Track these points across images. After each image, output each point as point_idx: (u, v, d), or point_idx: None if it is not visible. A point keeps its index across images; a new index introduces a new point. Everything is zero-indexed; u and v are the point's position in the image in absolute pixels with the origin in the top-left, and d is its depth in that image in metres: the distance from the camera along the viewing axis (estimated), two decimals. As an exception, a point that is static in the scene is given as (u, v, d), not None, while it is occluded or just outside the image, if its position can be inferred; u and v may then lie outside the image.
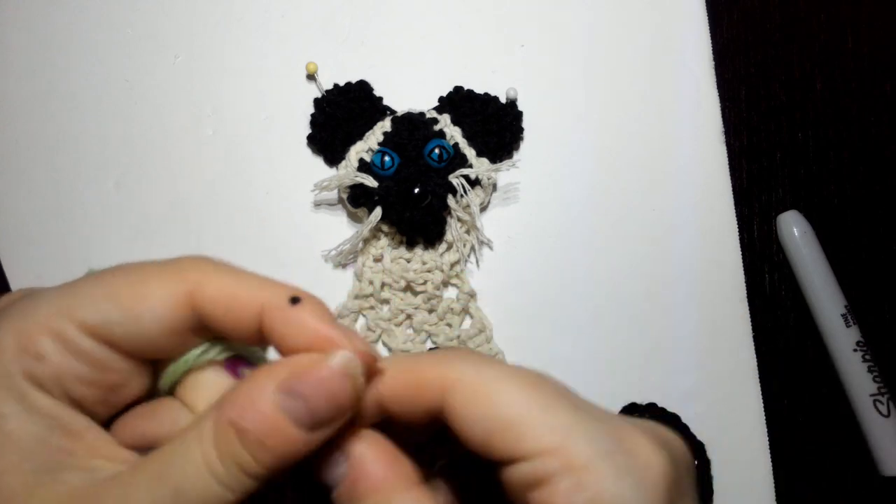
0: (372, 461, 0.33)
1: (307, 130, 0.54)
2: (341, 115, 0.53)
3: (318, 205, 0.54)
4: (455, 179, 0.51)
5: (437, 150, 0.51)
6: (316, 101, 0.54)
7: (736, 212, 0.56)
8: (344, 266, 0.53)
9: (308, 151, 0.55)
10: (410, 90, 0.54)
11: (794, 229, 0.57)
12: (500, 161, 0.54)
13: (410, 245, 0.53)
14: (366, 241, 0.53)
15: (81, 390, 0.33)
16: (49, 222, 0.55)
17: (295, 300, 0.32)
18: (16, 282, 0.55)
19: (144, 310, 0.32)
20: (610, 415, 0.33)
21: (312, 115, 0.54)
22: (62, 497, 0.31)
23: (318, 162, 0.55)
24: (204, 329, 0.33)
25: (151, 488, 0.31)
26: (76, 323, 0.32)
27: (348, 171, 0.52)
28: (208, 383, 0.34)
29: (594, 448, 0.30)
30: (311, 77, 0.55)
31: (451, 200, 0.51)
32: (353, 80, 0.55)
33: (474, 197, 0.52)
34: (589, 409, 0.32)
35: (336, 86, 0.54)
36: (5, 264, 0.55)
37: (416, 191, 0.50)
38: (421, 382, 0.33)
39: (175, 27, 0.57)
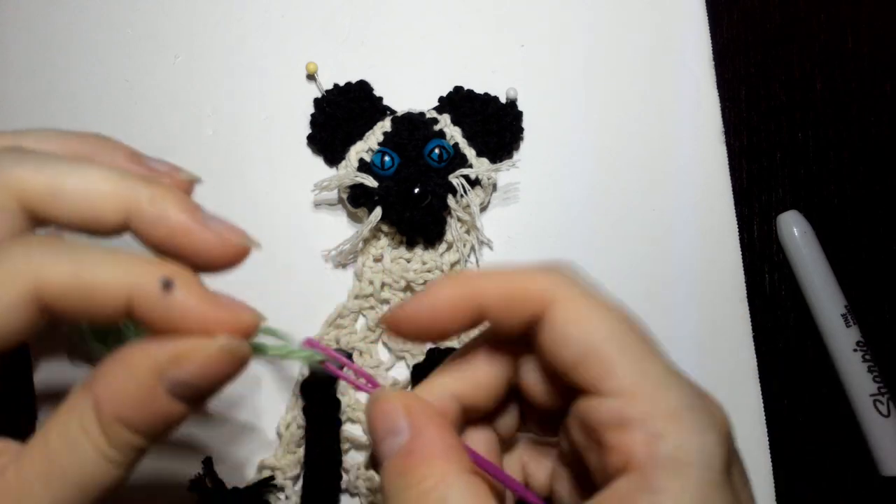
0: (431, 439, 0.32)
1: (307, 130, 0.54)
2: (341, 115, 0.53)
3: (318, 205, 0.54)
4: (455, 179, 0.51)
5: (437, 150, 0.51)
6: (316, 101, 0.54)
7: (736, 212, 0.56)
8: (344, 266, 0.53)
9: (308, 151, 0.55)
10: (410, 90, 0.54)
11: (794, 229, 0.57)
12: (500, 161, 0.54)
13: (410, 245, 0.53)
14: (366, 241, 0.52)
15: None
16: (49, 222, 0.55)
17: (167, 284, 0.30)
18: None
19: None
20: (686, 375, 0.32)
21: (312, 115, 0.54)
22: None
23: (318, 162, 0.55)
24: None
25: (50, 487, 0.30)
26: None
27: (348, 171, 0.51)
28: None
29: (681, 400, 0.30)
30: (311, 77, 0.55)
31: (451, 200, 0.51)
32: (353, 80, 0.55)
33: (474, 197, 0.52)
34: (675, 366, 0.32)
35: (336, 86, 0.54)
36: (5, 264, 0.55)
37: (416, 191, 0.50)
38: (525, 294, 0.33)
39: (175, 27, 0.57)
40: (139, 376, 0.30)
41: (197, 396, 0.31)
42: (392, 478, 0.32)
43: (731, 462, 0.31)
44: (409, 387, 0.51)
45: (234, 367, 0.31)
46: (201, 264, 0.33)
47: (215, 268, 0.34)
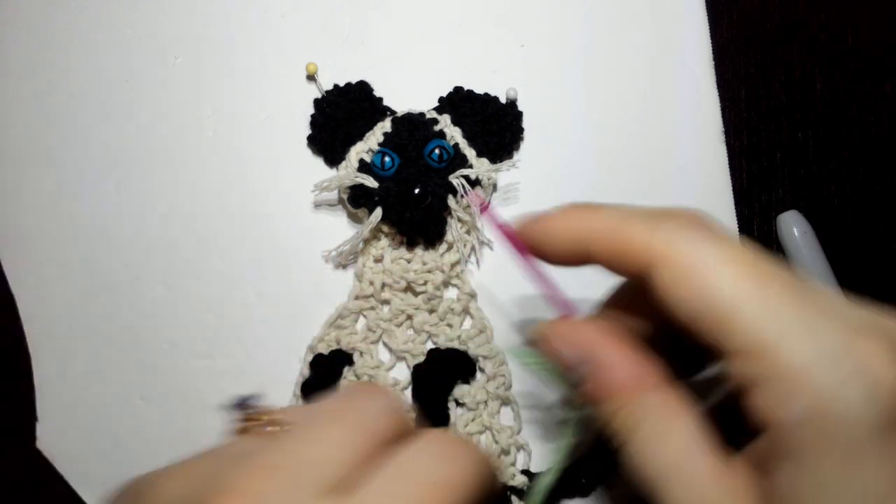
0: (616, 365, 0.33)
1: (307, 131, 0.54)
2: (341, 115, 0.53)
3: (318, 205, 0.54)
4: (455, 180, 0.51)
5: (437, 151, 0.51)
6: (316, 101, 0.54)
7: (736, 212, 0.56)
8: (344, 266, 0.53)
9: (308, 152, 0.55)
10: (410, 90, 0.54)
11: (794, 229, 0.57)
12: (500, 161, 0.54)
13: (411, 245, 0.53)
14: (366, 242, 0.52)
15: None
16: (49, 222, 0.55)
17: None
18: (16, 282, 0.55)
19: None
20: (847, 313, 0.29)
21: (312, 116, 0.54)
22: None
23: (319, 162, 0.55)
24: None
25: None
26: None
27: (348, 171, 0.51)
28: None
29: (815, 349, 0.28)
30: (311, 77, 0.55)
31: (451, 201, 0.51)
32: (353, 81, 0.55)
33: (475, 197, 0.52)
34: (823, 304, 0.29)
35: (336, 86, 0.54)
36: (5, 264, 0.55)
37: (417, 191, 0.50)
38: (627, 249, 0.32)
39: (175, 27, 0.57)
40: None
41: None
42: (596, 403, 0.34)
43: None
44: (410, 387, 0.51)
45: None
46: None
47: None
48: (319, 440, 0.29)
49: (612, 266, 0.34)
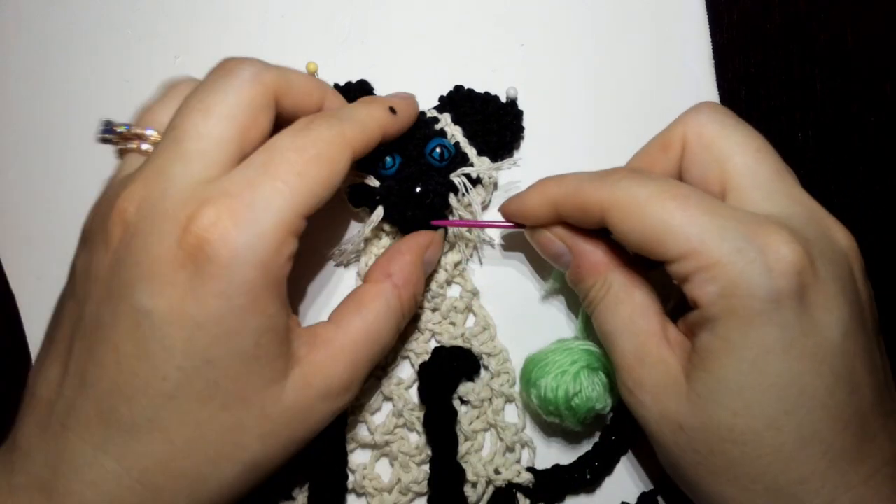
0: (588, 252, 0.45)
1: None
2: (342, 114, 0.53)
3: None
4: (456, 178, 0.51)
5: (438, 149, 0.51)
6: (316, 101, 0.54)
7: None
8: (346, 265, 0.53)
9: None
10: (411, 89, 0.54)
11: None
12: (501, 160, 0.54)
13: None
14: (368, 241, 0.52)
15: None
16: (49, 222, 0.55)
17: (392, 110, 0.48)
18: (16, 282, 0.54)
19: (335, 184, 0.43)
20: (752, 215, 0.40)
21: (313, 116, 0.54)
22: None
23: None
24: None
25: (348, 364, 0.43)
26: (302, 218, 0.41)
27: (350, 170, 0.51)
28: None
29: (725, 247, 0.38)
30: (311, 77, 0.55)
31: (452, 199, 0.51)
32: (354, 80, 0.54)
33: (476, 195, 0.52)
34: (730, 211, 0.39)
35: (336, 85, 0.54)
36: (5, 264, 0.55)
37: (418, 190, 0.50)
38: (585, 205, 0.43)
39: (175, 27, 0.57)
40: (414, 263, 0.48)
41: (426, 275, 0.50)
42: (574, 285, 0.47)
43: (796, 283, 0.37)
44: (416, 385, 0.51)
45: (439, 250, 0.51)
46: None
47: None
48: (185, 142, 0.41)
49: (578, 219, 0.45)
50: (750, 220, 0.39)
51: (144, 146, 0.45)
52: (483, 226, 0.52)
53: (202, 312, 0.37)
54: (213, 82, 0.43)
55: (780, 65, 0.60)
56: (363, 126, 0.45)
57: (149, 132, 0.45)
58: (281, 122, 0.44)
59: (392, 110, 0.47)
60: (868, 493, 0.37)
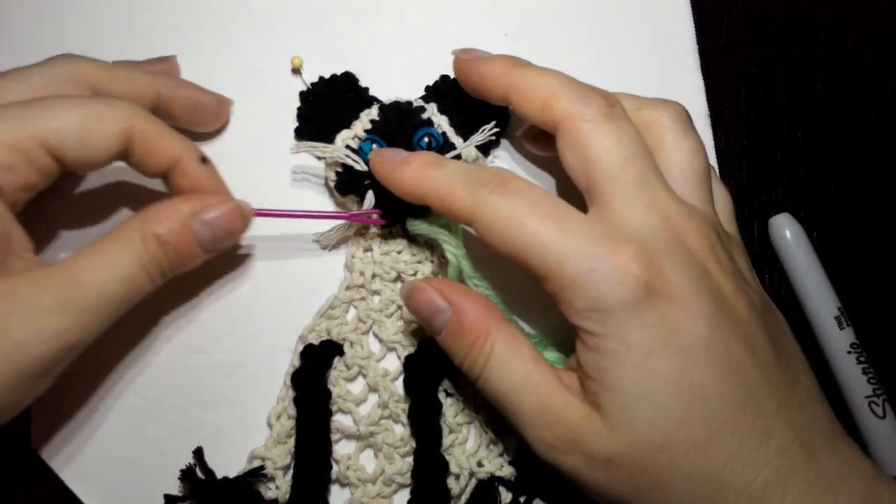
0: (471, 308, 0.44)
1: (294, 124, 0.54)
2: (328, 107, 0.53)
3: (302, 186, 0.54)
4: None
5: (426, 139, 0.51)
6: (301, 94, 0.54)
7: (735, 212, 0.56)
8: (330, 249, 0.53)
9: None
10: (397, 80, 0.54)
11: (785, 232, 0.57)
12: (489, 150, 0.54)
13: (400, 234, 0.52)
14: (356, 232, 0.52)
15: (19, 195, 0.43)
16: (48, 222, 0.55)
17: (204, 160, 0.47)
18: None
19: (95, 140, 0.43)
20: (605, 232, 0.41)
21: (299, 108, 0.54)
22: None
23: (307, 155, 0.54)
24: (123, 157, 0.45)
25: (65, 286, 0.41)
26: (39, 142, 0.41)
27: (338, 147, 0.51)
28: None
29: (581, 266, 0.40)
30: (296, 71, 0.55)
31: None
32: (339, 72, 0.55)
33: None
34: (584, 230, 0.41)
35: (321, 78, 0.54)
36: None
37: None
38: (453, 213, 0.45)
39: (168, 25, 0.57)
40: (180, 211, 0.45)
41: (211, 247, 0.46)
42: (450, 343, 0.45)
43: (656, 292, 0.40)
44: (402, 377, 0.51)
45: (242, 223, 0.48)
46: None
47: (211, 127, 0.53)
48: None
49: (447, 213, 0.45)
50: (604, 237, 0.41)
51: None
52: (300, 216, 0.51)
53: None
54: None
55: (780, 65, 0.60)
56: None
57: None
58: None
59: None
60: (784, 464, 0.39)
